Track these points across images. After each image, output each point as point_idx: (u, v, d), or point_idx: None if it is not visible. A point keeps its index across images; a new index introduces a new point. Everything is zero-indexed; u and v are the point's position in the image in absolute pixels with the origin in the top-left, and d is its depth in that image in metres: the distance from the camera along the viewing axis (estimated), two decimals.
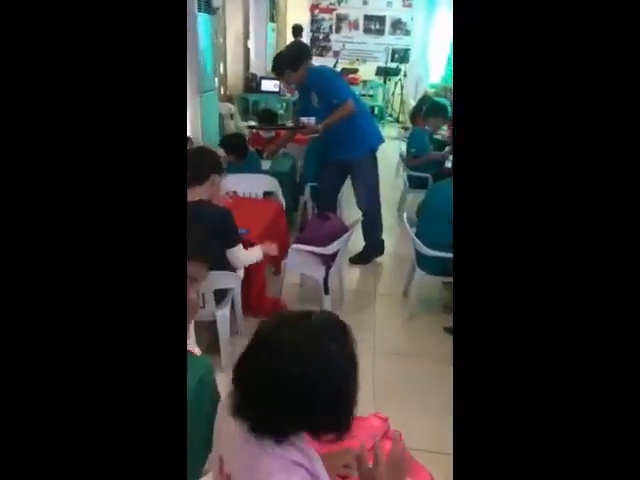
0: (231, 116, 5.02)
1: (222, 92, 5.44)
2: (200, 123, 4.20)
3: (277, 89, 6.32)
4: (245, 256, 2.14)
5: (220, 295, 2.14)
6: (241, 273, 2.18)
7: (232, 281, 2.14)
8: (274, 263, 2.68)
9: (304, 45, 3.66)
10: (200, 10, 3.89)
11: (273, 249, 2.25)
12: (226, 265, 2.10)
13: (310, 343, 0.73)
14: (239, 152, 3.19)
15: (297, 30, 6.87)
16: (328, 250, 2.38)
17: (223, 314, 2.15)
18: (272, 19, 7.39)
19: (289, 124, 3.71)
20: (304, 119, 3.07)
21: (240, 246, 2.11)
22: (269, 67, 7.27)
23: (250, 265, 2.28)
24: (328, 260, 2.47)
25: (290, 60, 3.00)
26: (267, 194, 3.29)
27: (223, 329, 2.17)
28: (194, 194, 1.96)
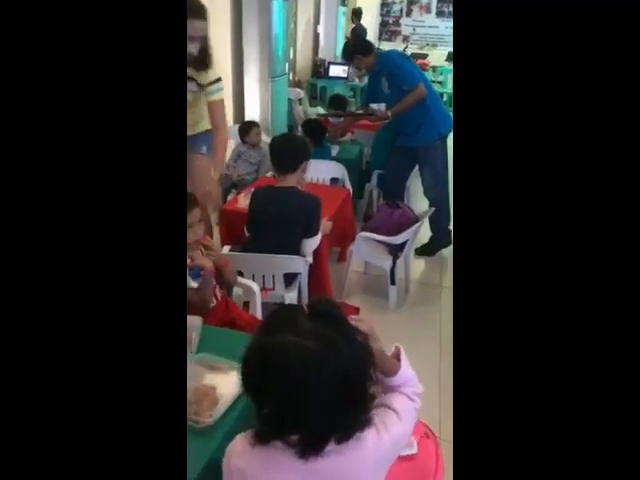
0: (299, 101, 5.04)
1: (291, 77, 5.48)
2: (270, 108, 4.26)
3: (345, 75, 6.26)
4: (314, 246, 2.16)
5: (289, 279, 2.19)
6: (310, 258, 2.21)
7: (301, 266, 2.18)
8: (340, 246, 2.69)
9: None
10: None
11: (327, 227, 2.25)
12: (296, 250, 2.14)
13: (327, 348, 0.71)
14: (318, 138, 3.22)
15: (357, 14, 6.75)
16: (397, 240, 2.35)
17: (290, 297, 2.21)
18: (343, 3, 7.31)
19: (358, 111, 3.67)
20: (373, 105, 3.03)
21: (317, 238, 2.14)
22: (338, 52, 7.27)
23: (314, 251, 2.31)
24: (396, 250, 2.44)
25: (360, 45, 2.95)
26: (334, 180, 3.30)
27: None
28: (287, 181, 2.07)
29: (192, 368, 1.18)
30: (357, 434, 0.75)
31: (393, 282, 2.48)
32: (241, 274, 2.02)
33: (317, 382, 0.69)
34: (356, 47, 2.98)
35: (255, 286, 1.91)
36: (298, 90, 5.20)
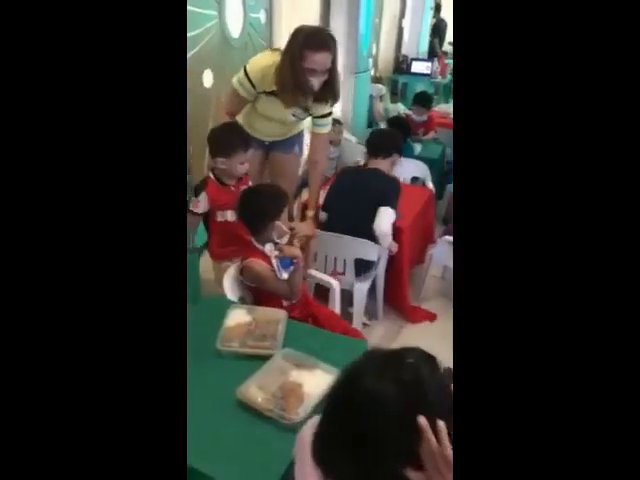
0: (380, 98, 4.97)
1: (372, 73, 5.40)
2: (351, 104, 4.22)
3: (429, 71, 6.09)
4: (388, 223, 2.11)
5: (361, 267, 2.16)
6: (385, 245, 2.14)
7: (373, 252, 2.11)
8: (419, 247, 2.62)
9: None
10: None
11: (393, 246, 2.20)
12: (371, 233, 2.11)
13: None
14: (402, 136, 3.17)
15: (437, 8, 6.53)
16: None
17: (360, 287, 2.18)
18: None
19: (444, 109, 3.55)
20: None
21: (390, 210, 2.11)
22: (422, 48, 7.09)
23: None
24: None
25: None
26: (414, 180, 3.21)
27: (358, 303, 2.20)
28: (374, 164, 2.27)
29: (279, 363, 1.19)
30: None
31: None
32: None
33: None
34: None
35: (334, 282, 1.90)
36: (380, 86, 5.12)
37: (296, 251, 1.57)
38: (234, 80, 1.94)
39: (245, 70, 1.89)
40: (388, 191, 2.14)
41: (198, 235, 2.18)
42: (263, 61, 1.88)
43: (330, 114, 2.05)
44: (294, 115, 2.03)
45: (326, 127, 2.07)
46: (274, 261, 1.56)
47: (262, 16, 3.13)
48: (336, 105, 4.28)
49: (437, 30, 7.09)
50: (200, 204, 1.83)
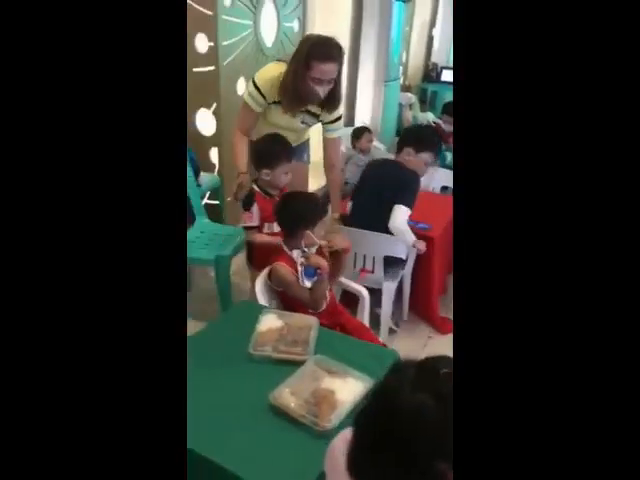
0: (410, 106, 4.95)
1: (401, 81, 5.40)
2: (381, 112, 4.23)
3: None
4: (403, 220, 2.07)
5: (389, 265, 2.15)
6: (411, 244, 2.11)
7: (402, 249, 2.11)
8: (449, 257, 2.59)
9: None
10: None
11: (422, 247, 2.16)
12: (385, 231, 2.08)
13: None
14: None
15: None
16: None
17: (389, 286, 2.17)
18: None
19: None
20: None
21: (404, 208, 2.07)
22: (452, 56, 7.04)
23: (421, 258, 2.25)
24: None
25: None
26: (444, 189, 3.19)
27: (387, 303, 2.19)
28: (400, 157, 2.22)
29: (311, 369, 1.20)
30: None
31: None
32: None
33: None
34: None
35: (364, 291, 1.89)
36: (410, 95, 5.10)
37: (321, 262, 1.56)
38: (245, 95, 1.96)
39: (254, 82, 1.90)
40: (403, 188, 2.09)
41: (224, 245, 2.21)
42: (270, 72, 1.90)
43: (340, 118, 2.07)
44: (303, 122, 2.04)
45: (337, 132, 2.09)
46: (299, 268, 1.57)
47: (295, 25, 3.17)
48: (366, 113, 4.28)
49: None
50: (254, 216, 1.83)
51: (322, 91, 1.84)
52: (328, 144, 2.10)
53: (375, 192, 2.12)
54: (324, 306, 1.64)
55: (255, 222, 1.85)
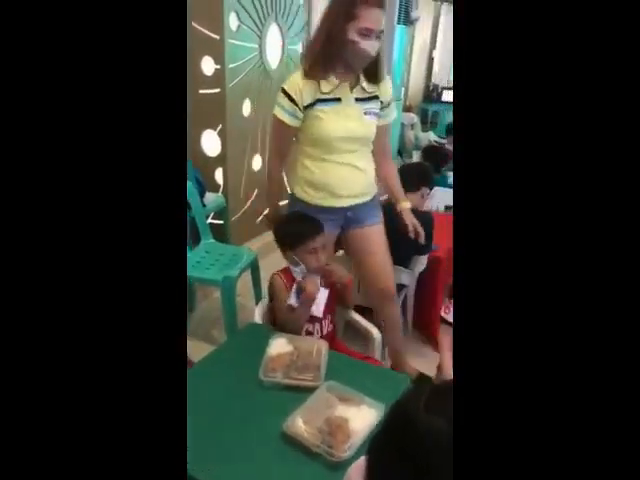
0: (412, 126, 5.00)
1: (403, 102, 5.45)
2: None
3: None
4: (420, 269, 2.16)
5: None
6: (417, 272, 2.17)
7: (405, 278, 2.15)
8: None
9: None
10: (399, 22, 3.94)
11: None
12: (405, 265, 2.12)
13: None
14: (436, 165, 3.17)
15: None
16: None
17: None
18: None
19: None
20: None
21: (423, 259, 2.17)
22: (452, 77, 7.15)
23: (426, 277, 2.26)
24: None
25: None
26: (448, 208, 3.19)
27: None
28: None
29: (324, 396, 1.17)
30: None
31: None
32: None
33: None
34: None
35: (375, 331, 1.75)
36: (412, 115, 5.16)
37: (310, 287, 1.51)
38: (275, 110, 1.62)
39: (283, 90, 1.57)
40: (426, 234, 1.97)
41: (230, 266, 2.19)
42: (296, 77, 1.57)
43: (391, 101, 1.70)
44: (367, 113, 1.60)
45: (390, 116, 1.72)
46: (295, 285, 1.56)
47: (300, 48, 3.21)
48: None
49: None
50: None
51: (372, 47, 1.45)
52: (381, 132, 1.69)
53: (393, 243, 1.98)
54: (296, 332, 1.54)
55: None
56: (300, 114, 1.57)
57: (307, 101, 1.54)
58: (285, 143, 1.68)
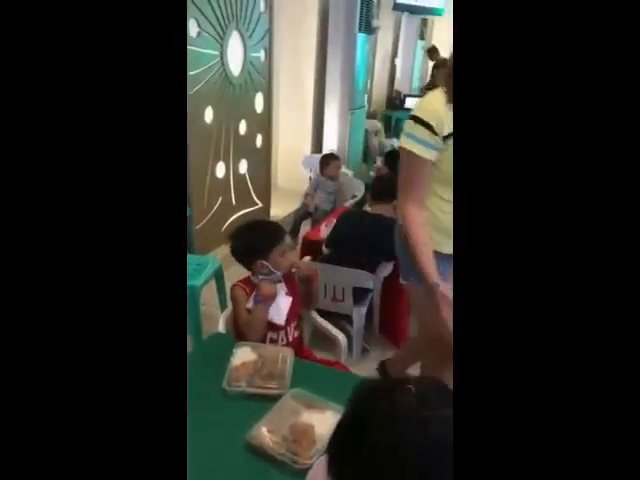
0: (375, 133, 5.06)
1: (367, 109, 5.52)
2: (348, 139, 4.30)
3: None
4: (385, 274, 2.23)
5: (359, 295, 2.27)
6: (381, 275, 2.24)
7: (369, 282, 2.23)
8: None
9: None
10: (360, 30, 4.00)
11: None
12: (371, 271, 2.22)
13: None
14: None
15: (432, 52, 6.69)
16: None
17: (359, 311, 2.28)
18: (422, 37, 7.35)
19: None
20: None
21: (389, 266, 2.23)
22: (415, 84, 7.28)
23: (391, 280, 2.28)
24: None
25: None
26: None
27: (357, 325, 2.29)
28: (376, 209, 2.43)
29: (289, 403, 1.16)
30: None
31: None
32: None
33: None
34: None
35: (341, 336, 1.76)
36: (375, 122, 5.23)
37: (265, 288, 1.51)
38: (404, 144, 1.33)
39: (416, 118, 1.30)
40: (388, 243, 1.88)
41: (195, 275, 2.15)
42: (435, 101, 1.30)
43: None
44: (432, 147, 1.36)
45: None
46: (255, 291, 1.55)
47: (262, 55, 3.21)
48: (333, 140, 4.32)
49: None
50: None
51: None
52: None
53: (359, 249, 2.23)
54: (256, 338, 1.52)
55: None
56: (441, 145, 1.29)
57: (448, 130, 1.28)
58: (424, 183, 1.37)
